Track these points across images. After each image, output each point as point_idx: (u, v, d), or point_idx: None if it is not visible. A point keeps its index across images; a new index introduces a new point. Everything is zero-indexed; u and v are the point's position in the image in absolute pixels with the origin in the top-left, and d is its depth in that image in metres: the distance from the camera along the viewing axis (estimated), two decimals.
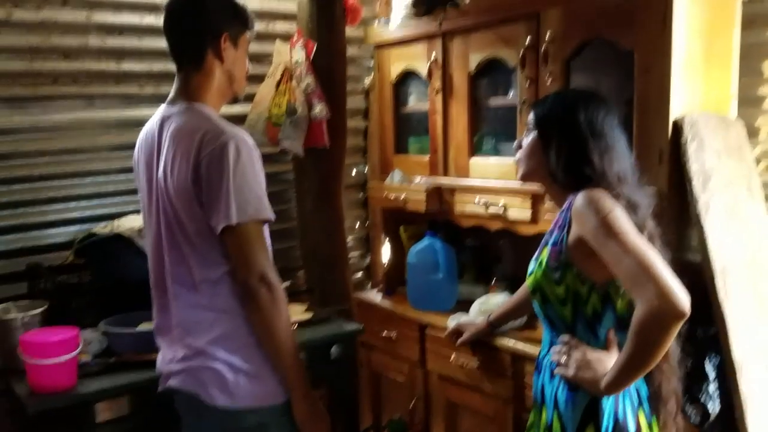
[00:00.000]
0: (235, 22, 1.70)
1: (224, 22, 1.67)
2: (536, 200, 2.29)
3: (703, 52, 1.98)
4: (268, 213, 1.59)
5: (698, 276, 1.83)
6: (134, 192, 1.83)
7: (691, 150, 1.88)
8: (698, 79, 1.98)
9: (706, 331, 1.84)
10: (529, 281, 1.64)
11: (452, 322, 2.38)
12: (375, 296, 2.92)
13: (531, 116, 1.69)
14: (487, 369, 2.30)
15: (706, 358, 1.86)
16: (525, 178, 1.72)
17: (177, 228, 1.60)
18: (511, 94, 2.43)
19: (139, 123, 1.83)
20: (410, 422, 2.67)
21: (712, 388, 1.85)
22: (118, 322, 2.05)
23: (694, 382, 1.82)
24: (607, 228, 1.42)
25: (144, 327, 2.00)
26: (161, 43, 1.72)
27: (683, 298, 1.31)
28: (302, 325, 2.26)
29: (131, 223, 2.25)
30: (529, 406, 1.96)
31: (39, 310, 2.02)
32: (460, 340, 2.30)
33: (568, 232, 1.53)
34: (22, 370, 1.83)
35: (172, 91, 1.70)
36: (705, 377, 1.85)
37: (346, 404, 2.39)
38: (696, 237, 1.89)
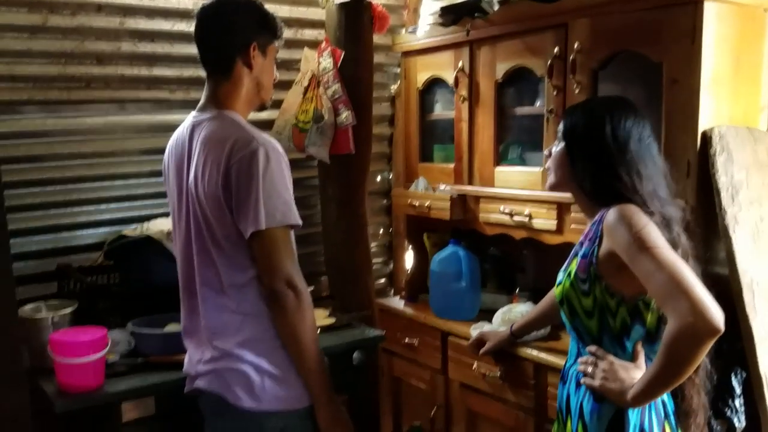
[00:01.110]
0: (265, 31, 1.72)
1: (254, 32, 1.69)
2: (562, 210, 2.28)
3: (732, 64, 1.96)
4: (296, 218, 1.60)
5: (725, 289, 1.81)
6: (164, 195, 1.86)
7: (720, 162, 1.87)
8: (727, 92, 1.97)
9: (733, 345, 1.82)
10: (557, 292, 1.64)
11: (475, 331, 2.38)
12: (397, 303, 2.93)
13: (561, 125, 1.68)
14: (510, 379, 2.29)
15: (732, 373, 1.84)
16: (553, 187, 1.71)
17: (206, 233, 1.62)
18: (537, 103, 2.43)
19: (170, 127, 1.86)
20: (430, 430, 2.67)
21: (738, 403, 1.83)
22: (146, 323, 2.08)
23: (719, 397, 1.81)
24: (640, 243, 1.41)
25: (171, 328, 2.03)
26: (192, 49, 1.76)
27: (718, 314, 1.30)
28: (324, 330, 2.28)
29: (160, 226, 2.28)
30: (551, 417, 1.95)
31: (69, 310, 2.05)
32: (482, 350, 2.29)
33: (599, 245, 1.52)
34: (50, 369, 1.86)
35: (202, 98, 1.74)
36: (731, 392, 1.83)
37: (367, 410, 2.39)
38: (723, 250, 1.87)
